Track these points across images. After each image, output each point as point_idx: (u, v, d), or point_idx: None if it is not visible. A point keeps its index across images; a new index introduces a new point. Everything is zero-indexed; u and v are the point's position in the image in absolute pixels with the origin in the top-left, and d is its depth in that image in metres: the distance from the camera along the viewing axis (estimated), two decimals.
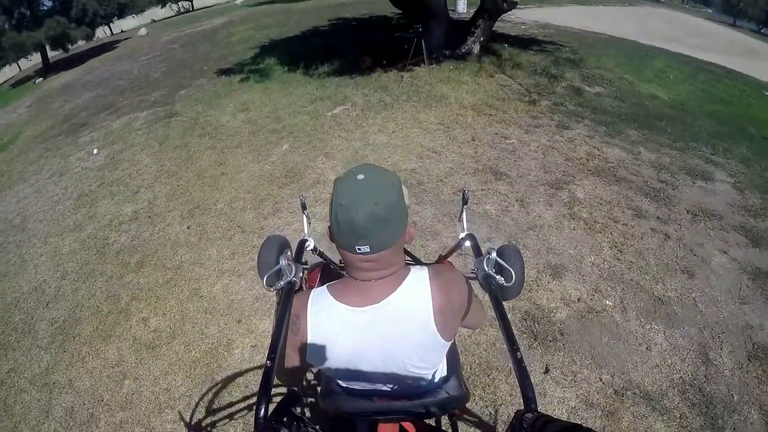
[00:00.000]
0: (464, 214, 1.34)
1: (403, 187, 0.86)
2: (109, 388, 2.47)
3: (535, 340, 2.32)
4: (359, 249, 0.79)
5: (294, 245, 1.30)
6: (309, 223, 1.38)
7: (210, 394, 2.24)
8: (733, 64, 10.43)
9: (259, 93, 6.80)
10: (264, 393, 0.76)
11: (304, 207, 1.37)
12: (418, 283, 0.85)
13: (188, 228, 3.69)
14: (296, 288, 1.03)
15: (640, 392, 2.10)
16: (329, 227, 0.83)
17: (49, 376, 2.65)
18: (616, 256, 2.92)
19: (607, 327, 2.42)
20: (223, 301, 2.86)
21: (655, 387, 2.13)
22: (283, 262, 1.11)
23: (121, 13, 23.16)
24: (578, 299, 2.57)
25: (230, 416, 2.06)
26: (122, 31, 24.28)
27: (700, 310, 2.57)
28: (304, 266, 1.27)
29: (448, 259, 1.49)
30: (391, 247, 0.82)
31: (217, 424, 2.08)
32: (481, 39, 7.36)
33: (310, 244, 1.29)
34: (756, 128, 6.10)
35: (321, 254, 1.44)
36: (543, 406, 2.02)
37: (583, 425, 0.55)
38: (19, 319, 3.20)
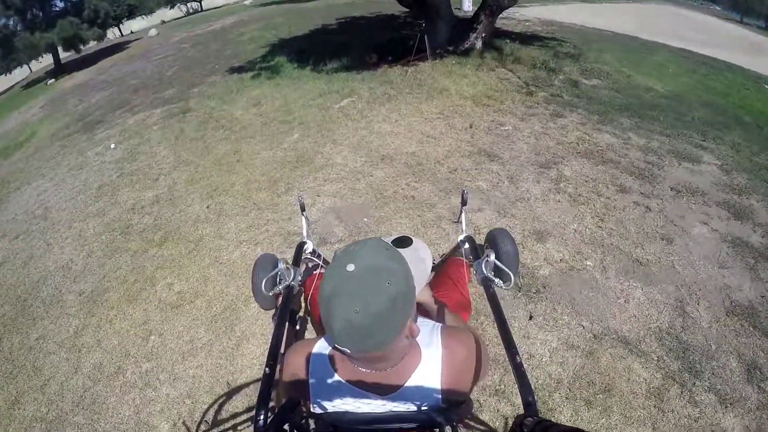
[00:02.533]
0: (463, 215, 1.33)
1: (422, 273, 0.84)
2: (136, 344, 2.70)
3: (519, 291, 2.57)
4: (338, 347, 0.72)
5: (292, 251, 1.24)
6: (308, 225, 1.34)
7: (211, 403, 2.21)
8: (736, 59, 10.50)
9: (270, 88, 7.14)
10: (263, 400, 0.76)
11: (303, 208, 1.33)
12: (429, 375, 0.80)
13: (208, 207, 4.01)
14: (295, 292, 1.00)
15: (618, 337, 2.31)
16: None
17: (77, 339, 2.85)
18: (597, 224, 3.16)
19: (588, 283, 2.66)
20: (241, 266, 3.15)
21: (632, 334, 2.34)
22: (281, 266, 1.07)
23: (131, 15, 23.34)
24: (560, 260, 2.82)
25: (234, 427, 2.01)
26: (132, 33, 24.60)
27: (678, 271, 2.78)
28: (304, 269, 1.24)
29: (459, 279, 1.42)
30: (380, 350, 0.72)
31: None
32: (483, 35, 7.63)
33: (309, 247, 1.26)
34: (751, 118, 6.25)
35: (320, 256, 1.39)
36: (527, 347, 2.26)
37: (584, 429, 0.54)
38: (47, 293, 3.41)
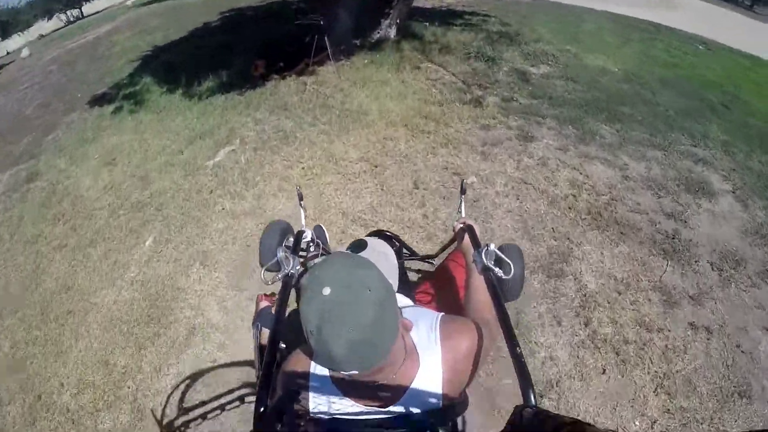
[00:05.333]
0: (462, 205, 1.35)
1: (391, 266, 0.96)
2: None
3: None
4: (346, 373, 0.68)
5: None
6: (306, 215, 1.34)
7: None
8: (653, 16, 10.04)
9: (129, 133, 4.90)
10: (264, 388, 0.73)
11: (301, 198, 1.35)
12: (429, 379, 0.78)
13: None
14: (294, 281, 1.01)
15: None
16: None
17: None
18: (664, 406, 1.81)
19: None
20: None
21: None
22: (280, 254, 1.06)
23: (5, 33, 20.53)
24: None
25: (221, 407, 1.83)
26: (7, 54, 19.69)
27: None
28: (303, 258, 1.22)
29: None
30: (385, 359, 0.69)
31: (209, 416, 1.84)
32: (398, 20, 5.95)
33: (308, 236, 1.24)
34: (713, 95, 5.45)
35: (319, 246, 1.36)
36: None
37: (582, 421, 0.51)
38: None
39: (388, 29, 5.93)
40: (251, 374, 1.95)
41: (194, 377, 2.11)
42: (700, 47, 7.81)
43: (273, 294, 1.16)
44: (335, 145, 3.68)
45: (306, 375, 0.81)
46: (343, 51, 5.69)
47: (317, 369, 0.81)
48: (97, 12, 23.81)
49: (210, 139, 4.22)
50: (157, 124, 5.03)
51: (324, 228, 1.79)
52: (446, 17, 7.16)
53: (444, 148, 3.45)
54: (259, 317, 1.09)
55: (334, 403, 0.78)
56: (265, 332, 1.05)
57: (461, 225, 1.18)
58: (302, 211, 1.36)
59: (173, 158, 4.09)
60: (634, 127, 4.02)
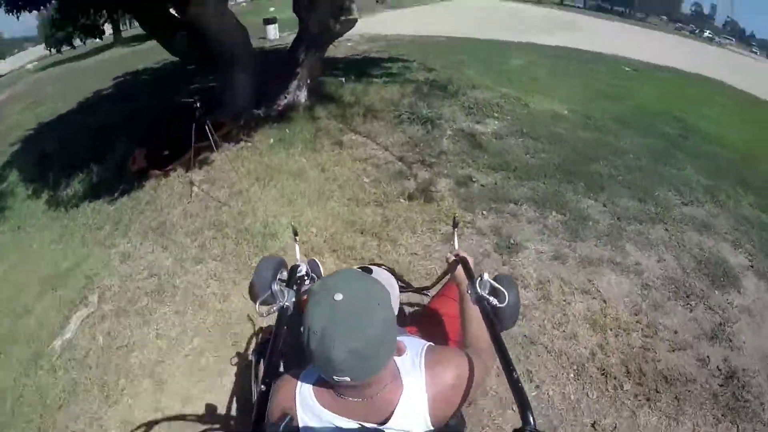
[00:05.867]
0: (456, 237, 1.36)
1: (392, 287, 0.90)
2: None
3: None
4: (337, 379, 0.68)
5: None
6: (301, 250, 1.35)
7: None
8: (563, 40, 10.06)
9: None
10: (258, 421, 0.74)
11: (296, 233, 1.38)
12: (414, 403, 0.77)
13: None
14: (289, 313, 1.03)
15: None
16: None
17: None
18: None
19: None
20: None
21: None
22: (275, 287, 1.07)
23: None
24: None
25: None
26: None
27: None
28: (298, 292, 1.18)
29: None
30: (377, 373, 0.70)
31: None
32: (308, 80, 4.87)
33: (302, 270, 1.25)
34: (667, 125, 5.00)
35: (314, 279, 1.32)
36: None
37: None
38: None
39: (298, 92, 4.82)
40: None
41: None
42: (627, 69, 7.63)
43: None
44: (232, 300, 2.38)
45: (293, 396, 0.81)
46: (243, 125, 4.47)
47: (303, 388, 0.82)
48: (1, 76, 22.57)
49: (63, 288, 2.85)
50: (11, 248, 3.82)
51: (318, 262, 1.66)
52: (363, 67, 6.24)
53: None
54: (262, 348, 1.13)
55: (321, 420, 0.78)
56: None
57: (455, 257, 1.18)
58: (296, 245, 1.35)
59: (16, 326, 2.70)
60: (619, 193, 3.25)
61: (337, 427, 0.77)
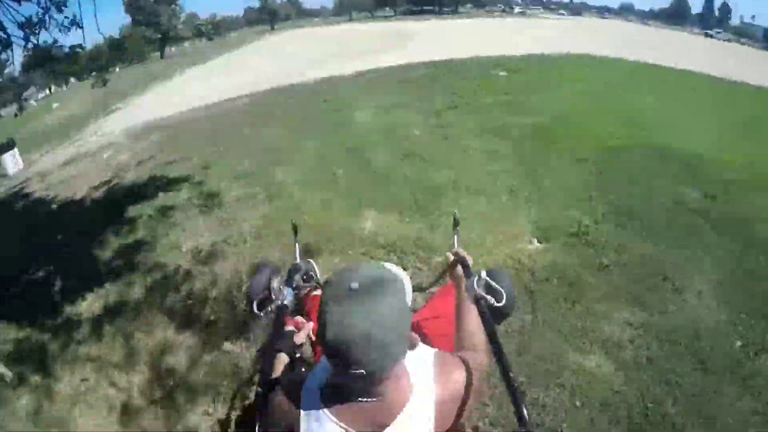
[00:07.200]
0: (456, 236, 1.36)
1: (406, 282, 0.80)
2: None
3: None
4: (352, 372, 0.66)
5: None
6: (301, 249, 1.36)
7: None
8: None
9: None
10: (260, 418, 0.75)
11: (296, 232, 1.37)
12: (421, 409, 0.76)
13: None
14: (288, 312, 1.02)
15: None
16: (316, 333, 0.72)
17: None
18: None
19: None
20: None
21: None
22: (274, 285, 1.07)
23: None
24: None
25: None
26: None
27: None
28: (296, 290, 1.19)
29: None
30: (394, 363, 0.70)
31: None
32: None
33: (301, 269, 1.22)
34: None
35: (311, 279, 1.34)
36: None
37: None
38: None
39: None
40: None
41: None
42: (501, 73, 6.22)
43: (298, 316, 1.13)
44: None
45: (298, 400, 0.79)
46: None
47: (308, 393, 0.79)
48: None
49: None
50: None
51: (314, 263, 1.61)
52: None
53: None
54: (277, 338, 1.04)
55: (323, 422, 0.75)
56: (281, 356, 1.00)
57: (454, 256, 1.17)
58: (296, 245, 1.35)
59: None
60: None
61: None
